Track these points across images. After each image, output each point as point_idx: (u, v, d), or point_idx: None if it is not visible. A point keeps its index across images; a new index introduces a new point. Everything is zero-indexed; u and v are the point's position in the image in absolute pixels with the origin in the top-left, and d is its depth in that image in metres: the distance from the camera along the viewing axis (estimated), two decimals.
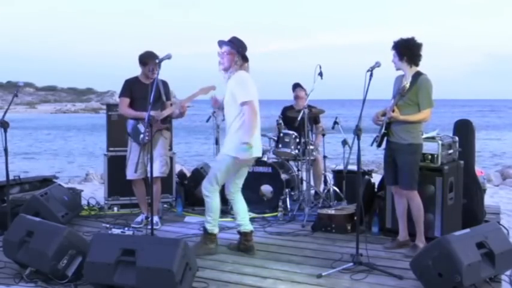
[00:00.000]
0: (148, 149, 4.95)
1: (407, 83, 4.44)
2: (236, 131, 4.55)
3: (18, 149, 23.18)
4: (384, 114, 4.73)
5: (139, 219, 5.78)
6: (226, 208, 6.29)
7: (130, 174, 5.59)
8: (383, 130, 4.68)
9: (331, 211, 5.61)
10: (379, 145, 4.75)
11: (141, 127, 5.44)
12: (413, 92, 4.55)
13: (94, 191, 7.90)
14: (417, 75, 4.62)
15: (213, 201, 4.69)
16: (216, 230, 4.80)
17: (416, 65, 4.67)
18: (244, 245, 4.78)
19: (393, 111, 4.55)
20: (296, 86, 6.99)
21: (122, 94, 5.67)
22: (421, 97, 4.56)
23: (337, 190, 6.55)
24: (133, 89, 5.60)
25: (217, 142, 6.73)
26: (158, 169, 5.48)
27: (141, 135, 5.29)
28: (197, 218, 6.00)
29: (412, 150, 4.64)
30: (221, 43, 4.63)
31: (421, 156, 4.80)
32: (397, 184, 4.79)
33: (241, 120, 4.53)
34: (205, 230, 4.78)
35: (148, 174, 4.82)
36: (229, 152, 4.59)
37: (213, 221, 4.74)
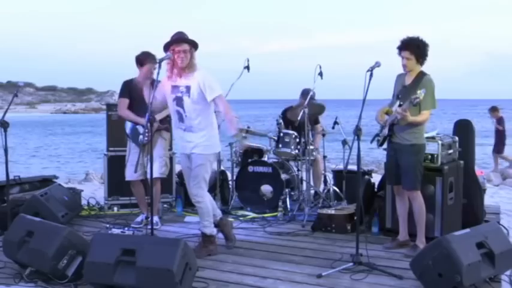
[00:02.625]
0: (148, 150, 4.94)
1: (420, 93, 4.33)
2: (205, 128, 4.55)
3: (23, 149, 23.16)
4: (387, 112, 4.70)
5: (139, 219, 5.78)
6: (226, 208, 6.30)
7: (129, 175, 5.59)
8: (387, 131, 4.65)
9: (331, 211, 5.61)
10: (380, 144, 4.74)
11: (140, 128, 5.44)
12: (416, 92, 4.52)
13: (94, 191, 7.88)
14: (421, 75, 4.60)
15: (206, 205, 4.68)
16: (215, 231, 4.79)
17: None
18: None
19: (405, 111, 4.47)
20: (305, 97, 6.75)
21: (121, 95, 5.67)
22: (424, 97, 4.50)
23: (337, 190, 6.54)
24: (131, 89, 5.60)
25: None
26: (157, 170, 5.47)
27: (140, 136, 5.27)
28: (197, 218, 5.93)
29: (415, 150, 4.63)
30: (179, 40, 4.45)
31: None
32: (399, 184, 4.78)
33: (210, 116, 4.58)
34: (204, 233, 4.76)
35: (148, 176, 4.81)
36: (210, 151, 4.61)
37: (210, 224, 4.74)
